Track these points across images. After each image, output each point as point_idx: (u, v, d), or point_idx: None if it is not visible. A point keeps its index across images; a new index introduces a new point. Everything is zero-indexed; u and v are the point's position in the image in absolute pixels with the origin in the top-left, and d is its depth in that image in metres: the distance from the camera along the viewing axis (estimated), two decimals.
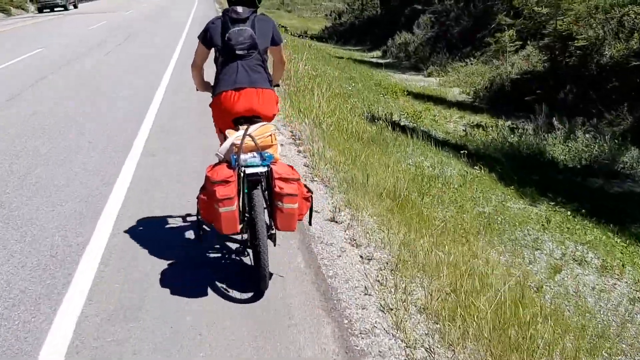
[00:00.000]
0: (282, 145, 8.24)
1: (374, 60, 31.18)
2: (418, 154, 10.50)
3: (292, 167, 4.39)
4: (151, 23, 31.73)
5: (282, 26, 45.51)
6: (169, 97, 12.01)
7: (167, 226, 5.67)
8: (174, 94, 12.25)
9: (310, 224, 4.72)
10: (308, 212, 4.51)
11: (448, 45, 27.11)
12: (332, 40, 42.36)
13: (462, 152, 11.08)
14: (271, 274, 4.51)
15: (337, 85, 15.71)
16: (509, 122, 15.92)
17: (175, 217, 5.82)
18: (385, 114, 13.62)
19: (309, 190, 4.46)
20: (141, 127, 9.66)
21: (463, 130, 15.02)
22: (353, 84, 17.64)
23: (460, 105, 18.62)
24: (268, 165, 4.23)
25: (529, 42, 21.12)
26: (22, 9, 66.96)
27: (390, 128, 11.75)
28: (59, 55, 19.17)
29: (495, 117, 16.95)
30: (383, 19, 40.87)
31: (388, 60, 30.52)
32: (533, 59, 19.68)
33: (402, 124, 13.58)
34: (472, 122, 16.23)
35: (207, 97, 4.88)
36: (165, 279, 4.62)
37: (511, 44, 21.00)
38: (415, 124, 14.11)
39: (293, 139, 9.10)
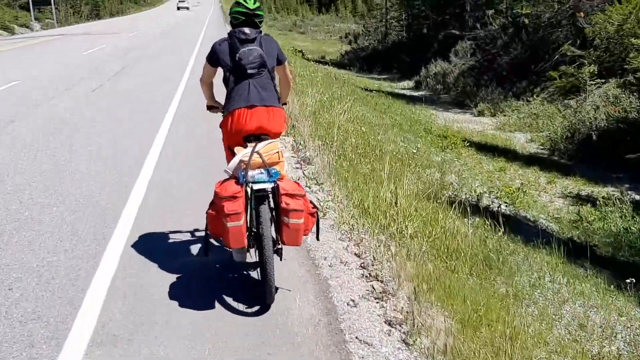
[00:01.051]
0: None
1: (407, 92, 27.15)
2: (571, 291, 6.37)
3: (298, 183, 4.50)
4: (154, 48, 27.87)
5: (299, 51, 41.81)
6: (164, 171, 7.91)
7: (176, 240, 5.59)
8: (171, 166, 8.20)
9: (317, 239, 4.78)
10: (315, 228, 4.53)
11: (496, 78, 23.05)
12: (355, 67, 38.34)
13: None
14: (277, 288, 4.46)
15: (391, 143, 11.79)
16: (613, 189, 11.87)
17: (183, 232, 5.73)
18: (469, 193, 9.57)
19: (315, 206, 4.51)
20: (117, 227, 5.93)
21: (570, 209, 10.82)
22: (406, 136, 13.67)
23: (537, 161, 14.45)
24: (275, 182, 4.32)
25: (610, 79, 17.03)
26: (27, 27, 63.82)
27: (481, 216, 7.93)
28: (35, 91, 15.20)
29: (591, 181, 12.82)
30: (410, 44, 36.92)
31: (423, 93, 26.50)
32: (624, 102, 15.52)
33: (495, 208, 9.47)
34: (569, 192, 12.11)
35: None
36: (173, 291, 4.59)
37: (592, 82, 16.79)
38: (511, 204, 10.03)
39: (367, 278, 5.05)
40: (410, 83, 29.52)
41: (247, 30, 4.65)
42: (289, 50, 35.14)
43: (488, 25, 26.77)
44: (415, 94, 26.53)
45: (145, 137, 9.81)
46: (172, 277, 4.83)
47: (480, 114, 20.77)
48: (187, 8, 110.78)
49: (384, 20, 56.93)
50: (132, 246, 5.42)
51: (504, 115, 19.75)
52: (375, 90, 24.32)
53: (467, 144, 15.14)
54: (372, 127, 13.11)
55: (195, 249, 5.43)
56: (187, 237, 5.68)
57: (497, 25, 26.25)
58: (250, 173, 4.30)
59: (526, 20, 24.32)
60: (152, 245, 5.45)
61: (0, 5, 67.82)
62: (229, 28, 5.12)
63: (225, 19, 59.57)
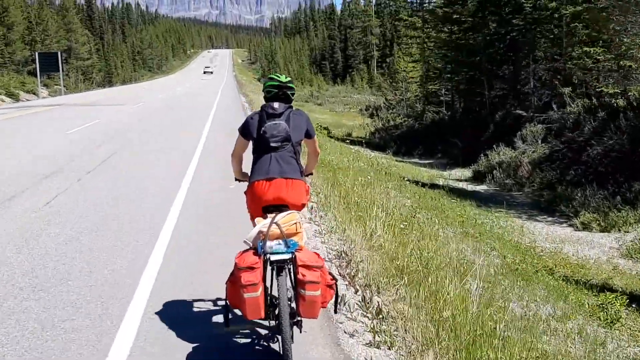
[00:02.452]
0: None
1: (467, 185, 21.68)
2: None
3: (317, 254, 4.41)
4: (153, 128, 22.61)
5: (324, 128, 36.85)
6: None
7: (198, 310, 5.46)
8: None
9: (335, 312, 4.80)
10: (333, 300, 4.51)
11: (591, 174, 17.56)
12: (390, 149, 33.01)
13: None
14: None
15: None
16: None
17: (206, 300, 5.59)
18: None
19: (334, 278, 4.45)
20: None
21: None
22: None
23: None
24: (292, 253, 4.25)
25: None
26: (34, 93, 59.69)
27: None
28: None
29: None
30: (456, 124, 31.67)
31: (487, 188, 21.03)
32: None
33: None
34: None
35: None
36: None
37: None
38: None
39: None
40: (466, 172, 24.11)
41: (276, 105, 4.74)
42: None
43: (565, 105, 21.31)
44: (478, 188, 21.09)
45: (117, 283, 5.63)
46: (189, 347, 4.69)
47: (585, 226, 15.17)
48: (212, 72, 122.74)
49: (408, 92, 52.23)
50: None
51: (625, 232, 14.19)
52: (429, 185, 18.92)
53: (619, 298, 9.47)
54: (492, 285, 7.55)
55: (216, 318, 5.25)
56: (210, 306, 5.51)
57: (579, 106, 20.82)
58: (268, 244, 4.24)
59: (620, 102, 18.99)
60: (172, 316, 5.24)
61: (8, 70, 65.17)
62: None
63: (239, 90, 55.02)
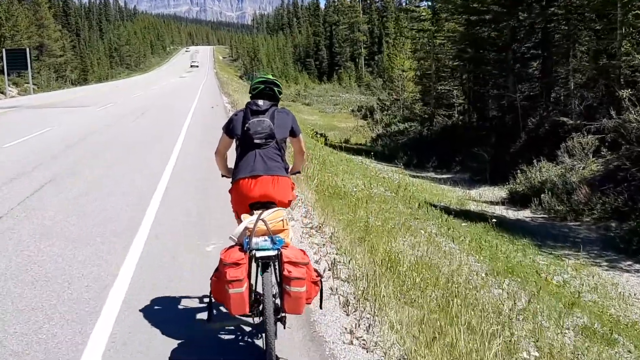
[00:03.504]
0: None
1: (509, 211, 17.57)
2: None
3: (303, 251, 4.42)
4: (113, 141, 18.32)
5: (320, 134, 32.37)
6: None
7: (181, 306, 5.47)
8: None
9: (321, 307, 4.75)
10: (319, 296, 4.55)
11: None
12: (399, 160, 28.84)
13: None
14: (278, 357, 4.31)
15: None
16: None
17: (192, 297, 5.58)
18: None
19: (319, 274, 4.49)
20: None
21: None
22: None
23: None
24: (278, 249, 4.28)
25: None
26: (2, 92, 55.09)
27: None
28: None
29: None
30: (473, 131, 27.53)
31: (534, 214, 16.93)
32: None
33: None
34: None
35: None
36: (177, 358, 4.51)
37: None
38: None
39: None
40: (497, 192, 20.02)
41: (260, 102, 4.76)
42: (306, 134, 26.07)
43: (624, 111, 17.21)
44: (522, 215, 17.05)
45: None
46: (174, 343, 4.69)
47: None
48: (197, 66, 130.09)
49: (405, 92, 48.11)
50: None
51: None
52: (460, 211, 14.88)
53: None
54: None
55: (200, 315, 5.25)
56: (196, 303, 5.51)
57: None
58: (254, 240, 4.27)
59: None
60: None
61: None
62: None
63: (220, 89, 50.41)
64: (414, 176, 24.06)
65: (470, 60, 30.67)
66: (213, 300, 4.49)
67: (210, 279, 4.41)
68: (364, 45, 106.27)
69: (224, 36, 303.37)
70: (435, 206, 15.42)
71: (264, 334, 4.26)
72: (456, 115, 34.34)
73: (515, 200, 18.31)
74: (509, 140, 22.72)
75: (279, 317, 4.37)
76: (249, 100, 4.84)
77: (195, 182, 11.04)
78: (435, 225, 11.54)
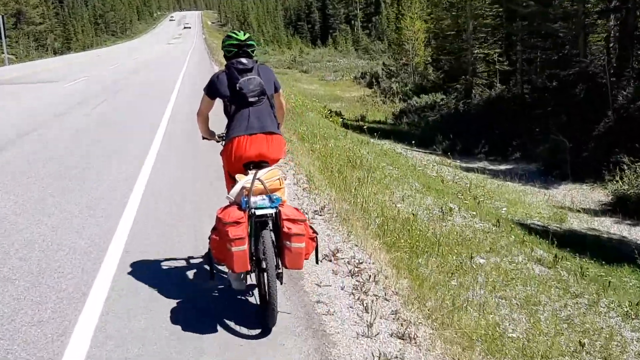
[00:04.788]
0: None
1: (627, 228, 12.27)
2: None
3: (298, 209, 4.46)
4: (64, 133, 12.76)
5: (336, 112, 26.61)
6: None
7: (176, 265, 5.46)
8: None
9: (317, 262, 4.81)
10: (315, 251, 4.54)
11: None
12: (438, 145, 23.30)
13: None
14: (278, 311, 4.28)
15: None
16: None
17: (179, 259, 5.55)
18: None
19: (315, 231, 4.51)
20: None
21: None
22: None
23: None
24: (276, 207, 4.31)
25: None
26: None
27: None
28: None
29: None
30: (529, 108, 21.95)
31: None
32: None
33: None
34: None
35: None
36: (176, 316, 4.49)
37: None
38: None
39: None
40: (590, 193, 14.68)
41: (244, 60, 4.67)
42: (318, 112, 20.91)
43: None
44: None
45: None
46: (172, 303, 4.67)
47: None
48: (190, 27, 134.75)
49: (416, 57, 42.38)
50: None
51: None
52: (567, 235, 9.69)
53: None
54: None
55: (191, 274, 5.27)
56: (183, 263, 5.49)
57: None
58: (252, 199, 4.28)
59: None
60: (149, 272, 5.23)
61: None
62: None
63: (210, 57, 44.26)
64: (464, 168, 18.69)
65: (527, 16, 24.55)
66: (213, 258, 4.44)
67: (209, 238, 4.38)
68: (360, 6, 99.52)
69: (212, 0, 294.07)
70: (526, 227, 10.26)
71: (264, 291, 4.25)
72: (498, 85, 28.45)
73: (628, 208, 12.93)
74: (590, 121, 17.21)
75: (276, 273, 4.24)
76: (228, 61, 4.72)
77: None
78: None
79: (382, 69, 49.74)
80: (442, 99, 31.27)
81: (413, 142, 21.64)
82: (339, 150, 11.84)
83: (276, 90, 4.87)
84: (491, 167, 20.04)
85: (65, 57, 62.62)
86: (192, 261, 5.50)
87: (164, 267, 5.39)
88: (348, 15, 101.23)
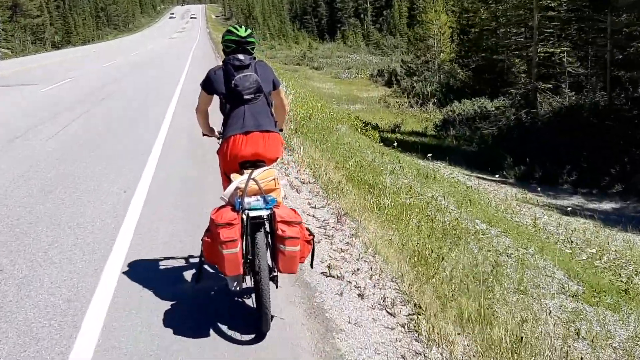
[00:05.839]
0: None
1: None
2: None
3: (294, 210, 4.24)
4: (32, 163, 8.39)
5: (366, 123, 21.68)
6: None
7: (171, 267, 5.16)
8: None
9: (312, 266, 4.52)
10: (311, 255, 4.35)
11: None
12: (510, 169, 18.79)
13: None
14: (273, 316, 4.11)
15: None
16: None
17: (178, 258, 5.30)
18: None
19: (311, 234, 4.29)
20: None
21: None
22: None
23: None
24: (271, 209, 4.14)
25: None
26: None
27: None
28: None
29: None
30: (622, 121, 17.44)
31: None
32: None
33: None
34: None
35: None
36: (168, 320, 4.25)
37: None
38: None
39: None
40: None
41: (241, 56, 4.48)
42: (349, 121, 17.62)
43: None
44: None
45: None
46: (167, 304, 4.45)
47: None
48: (196, 17, 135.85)
49: (442, 54, 37.93)
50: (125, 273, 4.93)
51: None
52: None
53: None
54: None
55: (188, 276, 5.01)
56: (182, 263, 5.23)
57: None
58: (246, 200, 4.11)
59: None
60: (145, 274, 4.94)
61: None
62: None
63: (216, 53, 39.50)
64: (556, 208, 14.28)
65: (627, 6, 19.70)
66: (204, 261, 4.33)
67: (202, 239, 4.18)
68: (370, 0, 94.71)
69: None
70: None
71: (256, 295, 4.09)
72: (567, 91, 23.72)
73: None
74: None
75: (271, 276, 4.11)
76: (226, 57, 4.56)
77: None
78: None
79: (401, 66, 45.24)
80: (497, 107, 26.22)
81: (471, 165, 17.27)
82: (414, 205, 8.32)
83: (275, 87, 4.61)
84: (589, 204, 15.48)
85: (62, 52, 58.40)
86: (191, 260, 5.22)
87: (161, 267, 5.08)
88: (357, 8, 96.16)
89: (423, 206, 8.64)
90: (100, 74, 25.86)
